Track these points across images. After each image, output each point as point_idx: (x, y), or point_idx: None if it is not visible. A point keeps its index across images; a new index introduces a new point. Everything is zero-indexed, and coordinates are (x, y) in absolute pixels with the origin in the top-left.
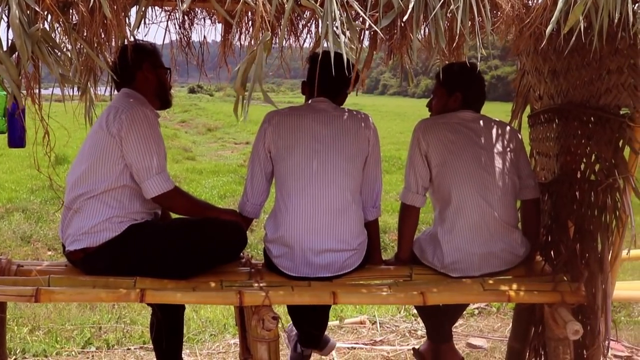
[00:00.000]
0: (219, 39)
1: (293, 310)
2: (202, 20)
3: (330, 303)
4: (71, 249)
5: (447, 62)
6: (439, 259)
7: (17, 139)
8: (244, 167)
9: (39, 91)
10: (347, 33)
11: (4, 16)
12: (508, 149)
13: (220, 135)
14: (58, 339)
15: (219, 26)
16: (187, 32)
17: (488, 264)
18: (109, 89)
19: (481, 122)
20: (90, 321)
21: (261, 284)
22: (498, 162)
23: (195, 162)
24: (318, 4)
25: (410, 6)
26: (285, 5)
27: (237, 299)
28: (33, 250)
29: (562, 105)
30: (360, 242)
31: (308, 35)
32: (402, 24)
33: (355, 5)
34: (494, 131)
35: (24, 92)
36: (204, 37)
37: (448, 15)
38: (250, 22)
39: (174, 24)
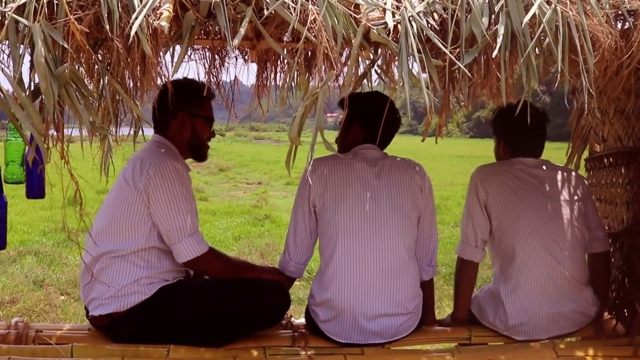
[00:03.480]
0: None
1: None
2: (235, 59)
3: None
4: (95, 314)
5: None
6: (501, 320)
7: (35, 189)
8: (257, 208)
9: (62, 138)
10: (427, 72)
11: (27, 55)
12: (575, 198)
13: (232, 175)
14: None
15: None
16: (217, 71)
17: (556, 326)
18: (132, 131)
19: (544, 167)
20: None
21: (309, 352)
22: (565, 213)
23: (208, 202)
24: (390, 38)
25: (499, 41)
26: (353, 42)
27: None
28: (45, 295)
29: (635, 149)
30: (416, 305)
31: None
32: (485, 61)
33: (435, 39)
34: (559, 178)
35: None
36: (235, 76)
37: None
38: (285, 61)
39: (203, 64)
